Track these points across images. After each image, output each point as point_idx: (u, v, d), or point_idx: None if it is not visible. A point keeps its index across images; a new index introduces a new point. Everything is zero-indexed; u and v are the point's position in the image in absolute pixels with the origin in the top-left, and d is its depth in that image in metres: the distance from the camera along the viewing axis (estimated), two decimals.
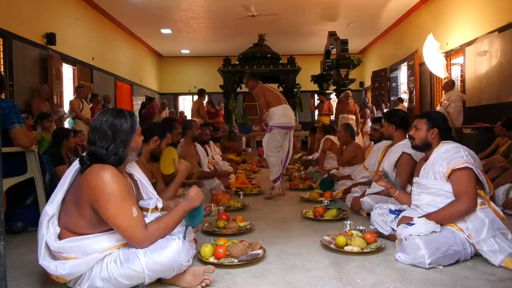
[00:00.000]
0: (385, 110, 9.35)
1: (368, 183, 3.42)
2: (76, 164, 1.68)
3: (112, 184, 1.53)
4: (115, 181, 1.54)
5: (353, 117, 8.28)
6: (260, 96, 4.15)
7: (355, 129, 7.34)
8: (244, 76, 4.50)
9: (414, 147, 2.31)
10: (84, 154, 1.64)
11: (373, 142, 3.89)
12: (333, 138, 5.53)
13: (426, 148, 2.27)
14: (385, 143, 3.31)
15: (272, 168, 4.24)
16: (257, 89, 4.22)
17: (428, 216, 2.08)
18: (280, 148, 4.22)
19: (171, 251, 1.60)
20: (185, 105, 15.83)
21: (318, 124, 9.46)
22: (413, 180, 2.34)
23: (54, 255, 1.61)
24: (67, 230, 1.61)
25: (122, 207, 1.54)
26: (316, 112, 10.30)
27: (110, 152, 1.60)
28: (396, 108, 7.50)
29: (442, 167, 2.11)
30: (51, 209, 1.64)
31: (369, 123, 9.11)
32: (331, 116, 9.54)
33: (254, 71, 5.37)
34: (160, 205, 1.89)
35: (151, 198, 1.85)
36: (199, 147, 4.33)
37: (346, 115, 8.23)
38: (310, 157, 6.41)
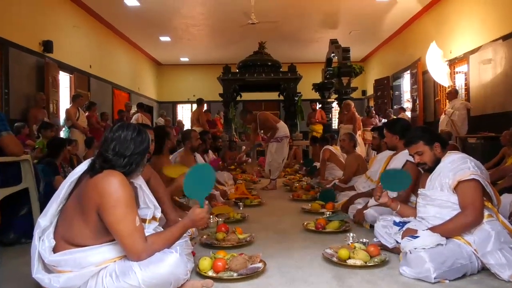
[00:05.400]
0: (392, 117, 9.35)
1: (371, 194, 3.41)
2: (74, 174, 1.70)
3: (120, 190, 1.56)
4: (124, 187, 1.58)
5: (350, 126, 8.25)
6: (267, 119, 5.61)
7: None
8: (240, 115, 5.93)
9: (429, 169, 2.27)
10: (94, 159, 1.67)
11: (375, 152, 3.90)
12: (332, 148, 5.54)
13: (437, 164, 2.25)
14: (388, 153, 3.31)
15: (274, 172, 5.68)
16: (262, 115, 5.65)
17: (433, 229, 2.07)
18: (285, 154, 5.71)
19: (169, 264, 1.60)
20: (184, 114, 15.88)
21: (311, 133, 9.52)
22: (418, 192, 2.33)
23: (48, 268, 1.61)
24: (65, 242, 1.61)
25: (127, 213, 1.57)
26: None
27: (126, 162, 1.66)
28: (398, 117, 7.48)
29: (449, 178, 2.11)
30: (44, 221, 1.65)
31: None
32: (335, 125, 9.58)
33: (246, 108, 6.18)
34: (158, 215, 1.90)
35: (149, 207, 1.86)
36: (198, 157, 4.34)
37: (348, 125, 8.24)
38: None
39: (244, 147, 9.51)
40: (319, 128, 9.89)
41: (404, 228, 2.27)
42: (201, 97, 9.03)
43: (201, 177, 1.82)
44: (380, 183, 2.42)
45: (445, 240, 2.00)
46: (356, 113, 8.34)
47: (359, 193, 3.66)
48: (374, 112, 9.66)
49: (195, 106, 10.23)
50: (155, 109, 14.75)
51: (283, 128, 5.68)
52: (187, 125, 12.40)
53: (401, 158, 2.91)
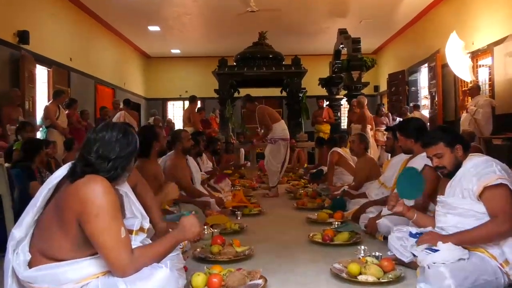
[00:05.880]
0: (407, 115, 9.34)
1: (385, 202, 3.41)
2: (52, 180, 1.70)
3: (104, 197, 1.56)
4: (108, 194, 1.58)
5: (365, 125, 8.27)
6: (264, 115, 5.64)
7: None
8: (242, 99, 5.99)
9: (448, 174, 2.27)
10: (75, 162, 1.67)
11: (390, 155, 3.90)
12: (341, 150, 5.55)
13: (458, 168, 2.25)
14: (404, 156, 3.31)
15: (271, 177, 5.77)
16: (260, 110, 5.70)
17: (457, 236, 2.06)
18: (282, 158, 5.72)
19: (158, 281, 1.60)
20: (175, 112, 15.89)
21: (317, 133, 9.52)
22: (438, 199, 2.32)
23: (23, 285, 1.60)
24: (42, 256, 1.61)
25: (112, 224, 1.56)
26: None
27: (111, 166, 1.66)
28: (409, 117, 7.46)
29: (472, 184, 2.10)
30: (19, 232, 1.64)
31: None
32: (344, 124, 9.59)
33: (250, 96, 6.09)
34: (146, 225, 1.90)
35: (135, 217, 1.86)
36: (191, 160, 4.34)
37: (359, 125, 8.25)
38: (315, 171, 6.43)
39: (242, 150, 9.58)
40: (326, 128, 9.91)
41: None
42: (194, 93, 9.06)
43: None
44: (395, 190, 2.42)
45: (468, 254, 1.99)
46: (368, 111, 8.35)
47: (372, 200, 3.66)
48: (383, 109, 9.63)
49: (187, 103, 10.24)
50: (143, 107, 14.77)
51: (279, 129, 5.72)
52: (178, 125, 12.41)
53: (419, 162, 2.91)
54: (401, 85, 11.73)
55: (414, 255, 2.29)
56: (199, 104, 9.55)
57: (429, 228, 2.36)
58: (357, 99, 8.40)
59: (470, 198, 2.11)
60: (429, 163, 2.74)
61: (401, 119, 9.42)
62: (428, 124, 9.02)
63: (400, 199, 2.40)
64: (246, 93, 6.27)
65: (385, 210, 3.10)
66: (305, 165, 8.58)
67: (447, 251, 1.98)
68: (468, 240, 2.04)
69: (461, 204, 2.15)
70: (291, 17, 10.80)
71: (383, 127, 9.11)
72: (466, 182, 2.14)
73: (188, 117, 8.15)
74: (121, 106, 9.26)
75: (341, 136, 6.79)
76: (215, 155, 6.57)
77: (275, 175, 5.78)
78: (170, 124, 12.44)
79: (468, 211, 2.12)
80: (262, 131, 5.99)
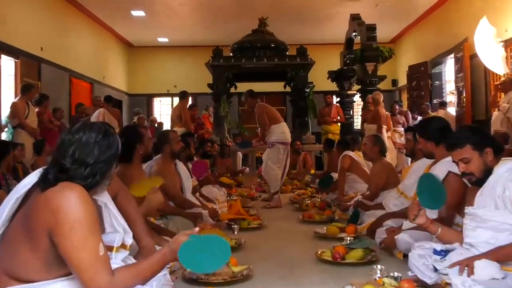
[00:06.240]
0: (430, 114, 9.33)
1: (405, 214, 3.40)
2: (20, 188, 1.69)
3: (80, 208, 1.55)
4: (85, 204, 1.57)
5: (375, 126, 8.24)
6: (262, 114, 5.77)
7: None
8: (243, 95, 6.13)
9: (477, 182, 2.27)
10: (47, 168, 1.66)
11: (410, 160, 3.90)
12: (354, 154, 5.55)
13: (488, 175, 2.25)
14: (427, 161, 3.31)
15: (272, 183, 5.90)
16: (259, 108, 5.83)
17: (490, 254, 2.06)
18: (281, 162, 5.88)
19: None
20: (162, 109, 15.91)
21: (324, 135, 9.50)
22: (466, 211, 2.32)
23: None
24: (7, 276, 1.60)
25: (88, 239, 1.55)
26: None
27: (88, 172, 1.66)
28: (430, 116, 7.40)
29: (509, 191, 2.10)
30: None
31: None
32: (357, 124, 9.58)
33: (252, 92, 6.16)
34: (129, 241, 1.89)
35: (116, 231, 1.85)
36: (180, 165, 4.33)
37: (373, 124, 8.24)
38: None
39: (239, 154, 9.58)
40: (335, 129, 9.89)
41: (449, 259, 2.25)
42: (185, 88, 9.05)
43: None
44: (416, 199, 2.42)
45: (503, 274, 1.99)
46: (383, 109, 8.34)
47: (389, 212, 3.66)
48: (397, 107, 9.59)
49: (177, 100, 10.24)
50: (125, 104, 14.79)
51: (277, 131, 5.80)
52: (166, 125, 12.40)
53: (441, 169, 2.90)
54: (423, 79, 11.75)
55: (438, 272, 2.27)
56: (190, 101, 9.54)
57: (456, 245, 2.35)
58: (371, 95, 8.41)
59: (505, 208, 2.11)
60: (454, 169, 2.74)
61: (421, 118, 9.43)
62: (454, 124, 9.02)
63: (421, 208, 2.40)
64: (247, 88, 6.37)
65: (405, 224, 3.10)
66: (312, 171, 8.58)
67: (480, 269, 1.98)
68: (502, 257, 2.03)
69: (493, 216, 2.14)
70: (296, 0, 10.83)
71: (400, 127, 9.12)
72: (499, 191, 2.14)
73: (178, 115, 8.14)
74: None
75: (353, 138, 6.79)
76: (207, 158, 6.56)
77: (275, 181, 5.86)
78: (157, 123, 12.44)
79: (502, 224, 2.12)
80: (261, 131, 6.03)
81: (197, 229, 1.85)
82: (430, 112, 9.44)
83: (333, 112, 9.96)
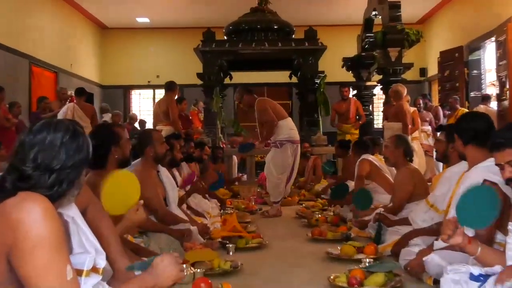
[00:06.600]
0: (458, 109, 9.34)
1: (436, 231, 3.40)
2: None
3: (44, 224, 1.55)
4: (49, 220, 1.57)
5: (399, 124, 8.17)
6: (266, 110, 5.82)
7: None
8: (237, 92, 6.28)
9: None
10: (3, 175, 1.65)
11: (441, 164, 3.90)
12: (374, 158, 5.55)
13: None
14: (463, 166, 3.30)
15: (273, 190, 6.02)
16: (260, 103, 5.91)
17: None
18: (288, 167, 5.98)
19: None
20: (142, 104, 15.92)
21: (341, 136, 9.40)
22: (509, 227, 2.32)
23: None
24: None
25: (54, 261, 1.55)
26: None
27: (54, 180, 1.65)
28: (472, 112, 7.37)
29: None
30: None
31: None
32: (378, 122, 9.54)
33: (247, 87, 6.26)
34: (101, 264, 1.89)
35: (87, 252, 1.85)
36: (164, 172, 4.33)
37: (395, 123, 8.20)
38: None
39: (235, 158, 9.56)
40: (356, 130, 9.66)
41: (486, 285, 2.26)
42: (170, 79, 8.97)
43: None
44: (450, 213, 2.41)
45: None
46: (407, 105, 8.30)
47: (417, 229, 3.66)
48: (421, 102, 9.56)
49: (159, 93, 10.21)
50: (97, 97, 14.78)
51: (285, 128, 5.90)
52: (149, 124, 12.38)
53: (476, 176, 2.90)
54: (458, 67, 11.76)
55: None
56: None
57: (498, 268, 2.35)
58: (392, 88, 8.32)
59: None
60: (492, 179, 2.74)
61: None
62: (496, 121, 9.02)
63: (459, 227, 2.39)
64: (245, 79, 6.57)
65: (436, 243, 3.10)
66: (323, 177, 8.57)
67: None
68: None
69: None
70: None
71: (426, 126, 9.08)
72: None
73: (164, 111, 8.07)
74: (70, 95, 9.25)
75: (373, 139, 6.78)
76: (198, 162, 6.53)
77: (277, 188, 5.98)
78: (136, 121, 12.42)
79: None
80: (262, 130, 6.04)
81: (176, 254, 1.86)
82: (458, 106, 9.41)
83: (351, 109, 9.62)
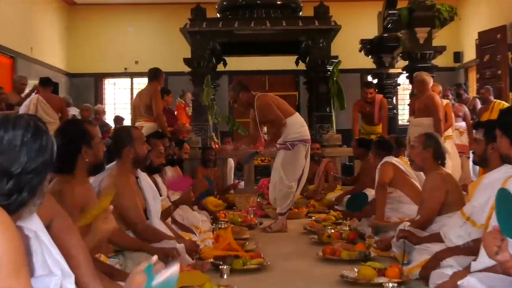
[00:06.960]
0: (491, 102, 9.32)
1: (473, 250, 3.40)
2: None
3: (1, 242, 1.54)
4: (6, 235, 1.56)
5: (428, 120, 8.09)
6: (270, 106, 5.84)
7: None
8: (230, 88, 6.39)
9: None
10: None
11: (478, 168, 3.91)
12: (398, 161, 5.56)
13: None
14: (506, 171, 3.31)
15: (281, 201, 6.00)
16: (261, 99, 5.92)
17: None
18: (299, 171, 6.00)
19: None
20: (118, 96, 15.92)
21: (363, 135, 9.26)
22: None
23: None
24: None
25: (12, 284, 1.55)
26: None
27: (12, 187, 1.66)
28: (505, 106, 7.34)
29: None
30: None
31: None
32: (404, 117, 9.49)
33: (241, 82, 6.28)
34: (70, 286, 1.89)
35: (52, 274, 1.86)
36: (144, 178, 4.34)
37: (424, 118, 8.16)
38: None
39: (230, 161, 9.55)
40: (379, 129, 9.24)
41: None
42: (151, 65, 8.93)
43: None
44: (490, 224, 2.42)
45: None
46: (437, 97, 8.23)
47: (450, 248, 3.67)
48: (449, 93, 9.46)
49: (139, 82, 10.18)
50: (63, 88, 14.77)
51: (295, 125, 5.94)
52: (127, 120, 12.39)
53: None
54: (500, 50, 11.77)
55: None
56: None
57: None
58: (416, 76, 8.14)
59: None
60: None
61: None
62: None
63: (504, 239, 2.38)
64: (242, 65, 6.62)
65: (474, 264, 3.11)
66: (338, 187, 8.56)
67: None
68: None
69: None
70: None
71: (459, 122, 8.91)
72: None
73: (147, 104, 8.03)
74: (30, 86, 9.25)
75: (397, 138, 6.78)
76: (171, 164, 6.41)
77: (286, 198, 5.99)
78: (103, 115, 12.39)
79: None
80: (266, 131, 6.05)
81: (155, 257, 1.85)
82: (491, 98, 9.30)
83: (376, 111, 8.96)
